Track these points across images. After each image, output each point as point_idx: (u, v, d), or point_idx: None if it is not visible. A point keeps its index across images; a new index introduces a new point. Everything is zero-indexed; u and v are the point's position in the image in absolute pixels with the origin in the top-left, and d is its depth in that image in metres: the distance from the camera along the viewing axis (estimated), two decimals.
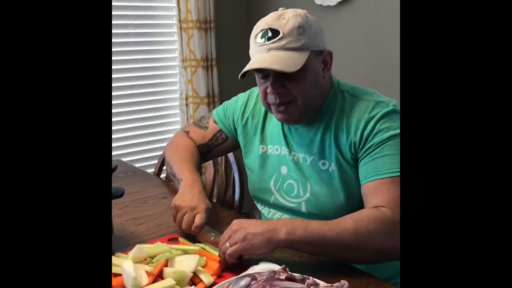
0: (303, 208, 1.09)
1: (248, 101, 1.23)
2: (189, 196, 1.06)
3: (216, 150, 1.31)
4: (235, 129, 1.24)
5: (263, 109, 1.18)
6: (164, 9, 2.41)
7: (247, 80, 1.09)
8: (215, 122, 1.29)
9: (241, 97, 1.26)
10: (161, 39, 2.43)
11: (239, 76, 1.03)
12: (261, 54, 0.98)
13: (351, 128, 1.01)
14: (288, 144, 1.12)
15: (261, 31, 1.00)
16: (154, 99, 2.44)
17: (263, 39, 0.99)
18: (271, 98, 1.03)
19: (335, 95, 1.07)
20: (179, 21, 2.34)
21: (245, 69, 1.00)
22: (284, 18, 0.99)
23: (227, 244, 0.89)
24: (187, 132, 1.34)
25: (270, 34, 0.98)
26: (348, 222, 0.90)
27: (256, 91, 1.22)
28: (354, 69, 2.20)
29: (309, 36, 0.99)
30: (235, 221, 0.92)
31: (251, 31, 1.05)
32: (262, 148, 1.17)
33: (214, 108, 2.46)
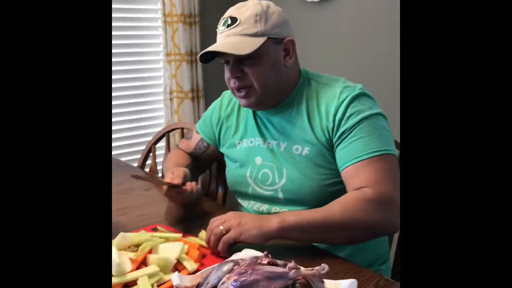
0: (280, 195, 1.11)
1: (222, 104, 1.29)
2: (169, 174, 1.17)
3: (203, 158, 1.38)
4: (214, 136, 1.30)
5: (236, 107, 1.25)
6: (149, 3, 2.40)
7: None
8: (197, 132, 1.37)
9: (214, 104, 1.33)
10: (145, 33, 2.41)
11: (199, 59, 1.10)
12: (219, 40, 1.07)
13: (322, 113, 1.06)
14: (262, 134, 1.16)
15: (223, 19, 1.08)
16: (138, 93, 2.43)
17: (224, 26, 1.07)
18: (231, 82, 1.10)
19: (303, 83, 1.13)
20: (164, 15, 2.33)
21: (201, 53, 1.06)
22: (245, 7, 1.07)
23: (221, 227, 0.92)
24: (177, 145, 1.47)
25: (229, 21, 1.06)
26: (334, 206, 0.96)
27: (226, 93, 1.30)
28: (337, 64, 2.22)
29: (267, 24, 1.05)
30: (230, 212, 0.97)
31: None
32: (239, 143, 1.22)
33: (198, 102, 2.47)
